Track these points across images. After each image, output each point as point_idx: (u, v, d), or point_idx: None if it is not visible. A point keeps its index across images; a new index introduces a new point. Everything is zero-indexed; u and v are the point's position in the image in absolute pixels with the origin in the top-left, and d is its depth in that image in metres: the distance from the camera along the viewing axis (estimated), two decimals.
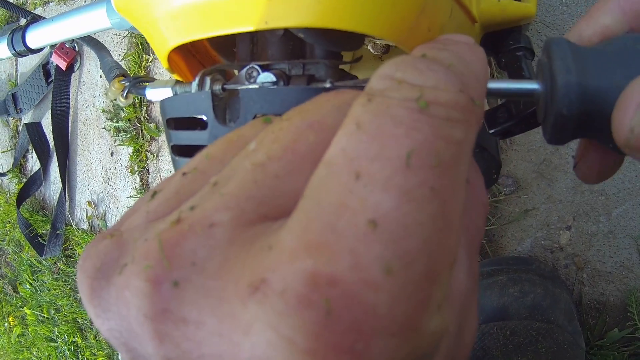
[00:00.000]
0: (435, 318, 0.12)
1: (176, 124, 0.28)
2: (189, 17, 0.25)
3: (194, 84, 0.28)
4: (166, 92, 0.32)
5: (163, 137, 1.13)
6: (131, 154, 1.19)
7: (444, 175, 0.12)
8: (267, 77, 0.27)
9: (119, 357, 0.76)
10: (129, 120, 1.18)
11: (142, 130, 1.16)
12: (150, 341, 0.13)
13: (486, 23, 0.37)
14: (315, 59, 0.28)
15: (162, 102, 0.27)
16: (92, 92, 1.26)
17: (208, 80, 0.28)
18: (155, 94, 0.32)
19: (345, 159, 0.12)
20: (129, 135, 1.18)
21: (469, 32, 0.33)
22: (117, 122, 1.19)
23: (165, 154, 1.14)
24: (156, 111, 1.14)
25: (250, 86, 0.25)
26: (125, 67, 1.11)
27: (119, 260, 0.14)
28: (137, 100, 1.16)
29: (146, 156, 1.17)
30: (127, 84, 0.37)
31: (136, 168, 1.19)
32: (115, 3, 0.31)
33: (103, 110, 1.22)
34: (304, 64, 0.28)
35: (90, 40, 0.89)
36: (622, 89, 0.18)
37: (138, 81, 0.36)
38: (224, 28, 0.23)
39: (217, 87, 0.27)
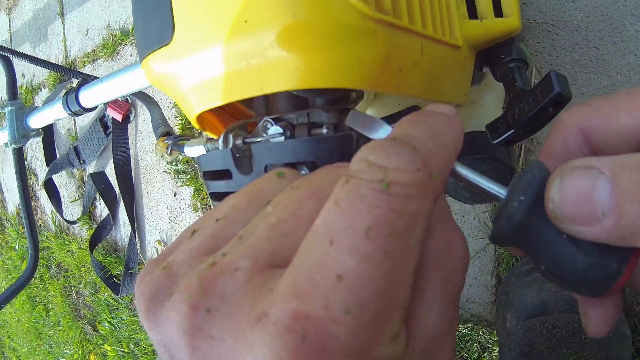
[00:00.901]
0: (387, 347, 0.17)
1: (211, 176, 0.33)
2: (206, 90, 0.30)
3: (220, 141, 0.33)
4: (200, 149, 0.38)
5: None
6: (192, 193, 1.27)
7: (397, 241, 0.17)
8: (275, 130, 0.31)
9: None
10: (187, 162, 1.26)
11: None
12: (185, 349, 0.18)
13: (474, 44, 0.40)
14: (316, 108, 0.32)
15: (198, 159, 0.33)
16: (149, 139, 1.36)
17: (230, 137, 0.33)
18: (192, 151, 0.38)
19: (324, 229, 0.17)
20: (188, 176, 1.27)
21: (451, 58, 0.36)
22: (176, 165, 1.28)
23: None
24: None
25: (259, 139, 0.30)
26: (178, 113, 1.19)
27: (170, 288, 0.19)
28: None
29: (207, 194, 1.25)
30: (170, 142, 0.43)
31: (199, 205, 1.27)
32: (147, 78, 0.36)
33: (162, 155, 1.31)
34: (308, 113, 0.32)
35: (140, 94, 0.97)
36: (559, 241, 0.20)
37: (178, 140, 0.42)
38: (233, 97, 0.28)
39: (239, 141, 0.32)
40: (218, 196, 0.33)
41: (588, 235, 0.19)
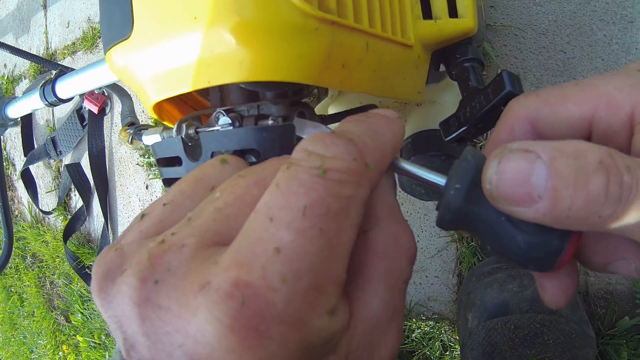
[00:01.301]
0: (323, 319, 0.18)
1: (164, 162, 0.34)
2: (160, 81, 0.31)
3: (174, 130, 0.34)
4: (156, 138, 0.38)
5: None
6: (163, 186, 1.27)
7: (332, 220, 0.18)
8: (224, 120, 0.32)
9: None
10: None
11: None
12: (135, 321, 0.19)
13: (428, 44, 0.41)
14: (266, 100, 0.34)
15: (152, 147, 0.34)
16: None
17: (184, 126, 0.34)
18: (149, 140, 0.39)
19: (265, 208, 0.19)
20: None
21: (402, 57, 0.37)
22: (148, 157, 1.28)
23: None
24: None
25: (210, 129, 0.31)
26: None
27: (121, 267, 0.21)
28: None
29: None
30: (131, 131, 0.44)
31: None
32: (111, 68, 0.37)
33: (135, 148, 1.32)
34: (258, 105, 0.33)
35: (114, 87, 0.98)
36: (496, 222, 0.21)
37: (138, 129, 0.43)
38: (183, 88, 0.29)
39: (192, 130, 0.33)
40: (169, 182, 0.34)
41: (524, 215, 0.20)
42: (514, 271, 0.66)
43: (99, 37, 1.37)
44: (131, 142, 0.43)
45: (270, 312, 0.17)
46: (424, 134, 0.47)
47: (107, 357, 1.42)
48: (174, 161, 0.34)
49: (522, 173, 0.20)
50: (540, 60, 0.69)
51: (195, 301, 0.17)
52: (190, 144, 0.33)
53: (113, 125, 1.37)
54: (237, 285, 0.17)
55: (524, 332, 0.63)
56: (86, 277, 1.40)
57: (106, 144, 1.36)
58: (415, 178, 0.24)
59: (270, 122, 0.30)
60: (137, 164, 1.32)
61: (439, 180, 0.23)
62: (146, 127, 0.42)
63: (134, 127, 0.43)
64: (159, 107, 0.37)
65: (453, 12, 0.43)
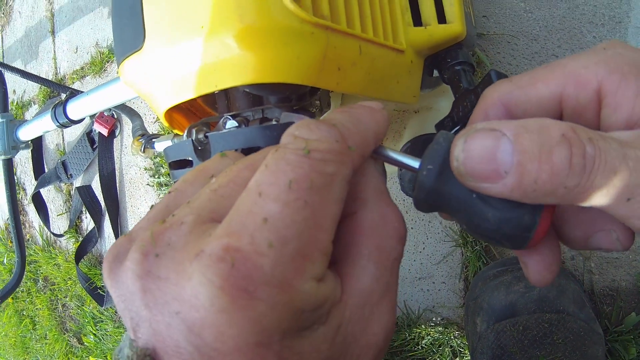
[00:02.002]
0: (309, 284, 0.20)
1: (175, 165, 0.36)
2: (171, 89, 0.33)
3: (184, 135, 0.36)
4: (168, 144, 0.41)
5: None
6: None
7: (316, 194, 0.20)
8: (232, 124, 0.35)
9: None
10: (169, 175, 1.29)
11: None
12: (138, 294, 0.20)
13: (419, 49, 0.43)
14: (270, 105, 0.36)
15: (164, 151, 0.36)
16: None
17: (194, 131, 0.36)
18: (161, 146, 0.41)
19: (255, 185, 0.20)
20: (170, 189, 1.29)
21: (394, 61, 0.39)
22: (158, 177, 1.31)
23: None
24: None
25: (215, 133, 0.34)
26: (160, 127, 1.22)
27: (128, 248, 0.22)
28: None
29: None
30: (143, 141, 0.46)
31: None
32: (123, 81, 0.40)
33: (145, 169, 1.34)
34: (262, 109, 0.35)
35: (123, 107, 1.01)
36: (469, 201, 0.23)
37: (150, 138, 0.45)
38: (193, 94, 0.32)
39: (201, 135, 0.35)
40: None
41: (493, 191, 0.21)
42: (519, 272, 0.66)
43: (107, 61, 1.41)
44: (144, 151, 0.45)
45: (258, 274, 0.18)
46: (421, 137, 0.49)
47: None
48: (185, 163, 0.36)
49: (488, 150, 0.21)
50: (533, 65, 0.71)
51: (190, 267, 0.19)
52: (199, 147, 0.35)
53: (123, 147, 1.40)
54: (227, 250, 0.18)
55: (533, 333, 0.63)
56: (98, 298, 1.41)
57: (116, 165, 1.38)
58: (394, 163, 0.26)
59: (274, 122, 0.32)
60: (148, 184, 1.34)
61: (414, 163, 0.24)
62: (157, 136, 0.45)
63: (146, 137, 0.45)
64: (169, 115, 0.40)
65: (442, 19, 0.45)
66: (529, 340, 0.63)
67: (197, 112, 0.47)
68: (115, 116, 1.31)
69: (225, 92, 0.39)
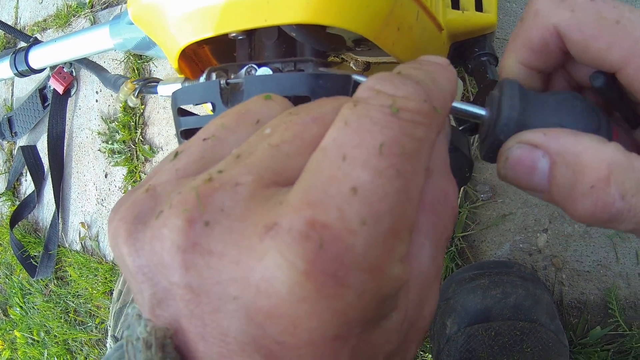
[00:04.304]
0: (397, 267, 0.17)
1: (184, 111, 0.32)
2: (197, 20, 0.29)
3: (202, 78, 0.32)
4: (176, 87, 0.36)
5: (156, 158, 1.16)
6: (125, 175, 1.21)
7: (407, 161, 0.17)
8: (264, 71, 0.30)
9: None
10: (124, 142, 1.21)
11: (136, 151, 1.20)
12: (177, 269, 0.16)
13: (453, 32, 0.42)
14: (305, 58, 0.32)
15: (174, 93, 0.31)
16: (87, 115, 1.29)
17: (214, 75, 0.32)
18: (166, 90, 0.36)
19: (335, 146, 0.17)
20: (123, 157, 1.21)
21: (435, 37, 0.37)
22: (112, 144, 1.23)
23: None
24: (151, 133, 1.18)
25: (252, 76, 0.29)
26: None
27: (155, 208, 0.18)
28: (132, 123, 1.19)
29: (140, 177, 1.20)
30: (139, 84, 0.41)
31: (130, 188, 1.22)
32: (132, 13, 0.35)
33: (99, 133, 1.25)
34: (295, 62, 0.32)
35: (89, 63, 0.93)
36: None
37: (148, 81, 0.40)
38: (231, 27, 0.27)
39: (222, 81, 0.31)
40: (188, 133, 0.32)
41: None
42: (497, 277, 0.66)
43: (74, 15, 1.31)
44: (137, 96, 0.40)
45: (350, 256, 0.15)
46: None
47: (45, 355, 1.32)
48: (192, 112, 0.31)
49: (527, 170, 0.23)
50: None
51: (262, 245, 0.15)
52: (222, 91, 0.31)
53: (76, 109, 1.30)
54: (313, 226, 0.15)
55: (504, 340, 0.63)
56: (30, 268, 1.31)
57: (66, 127, 1.29)
58: (459, 114, 0.25)
59: (318, 70, 0.29)
60: (99, 150, 1.25)
61: (480, 111, 0.25)
62: (157, 79, 0.40)
63: (143, 80, 0.40)
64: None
65: (479, 6, 0.44)
66: (499, 346, 0.63)
67: (200, 64, 0.42)
68: (74, 74, 1.21)
69: (249, 39, 0.35)
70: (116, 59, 1.21)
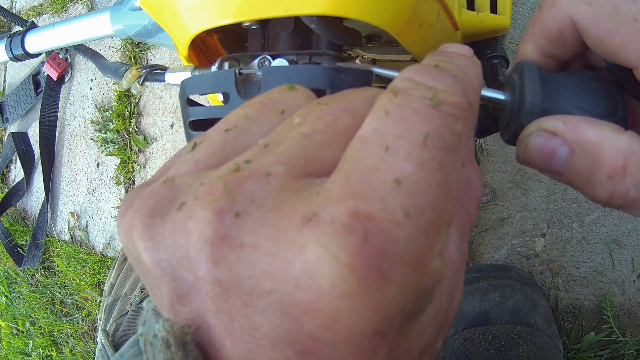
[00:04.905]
0: (437, 261, 0.16)
1: (192, 103, 0.31)
2: (216, 5, 0.28)
3: (214, 67, 0.31)
4: (185, 76, 0.35)
5: (150, 149, 1.15)
6: (118, 165, 1.20)
7: (448, 155, 0.17)
8: (280, 62, 0.30)
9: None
10: (118, 131, 1.19)
11: (130, 141, 1.18)
12: (204, 264, 0.15)
13: (467, 32, 0.41)
14: (321, 51, 0.31)
15: (184, 82, 0.30)
16: (81, 103, 1.27)
17: (226, 64, 0.31)
18: (175, 78, 0.35)
19: (376, 136, 0.16)
20: (116, 147, 1.19)
21: (451, 37, 0.37)
22: (105, 133, 1.21)
23: (152, 165, 1.16)
24: (146, 123, 1.16)
25: (271, 67, 0.28)
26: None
27: (174, 200, 0.17)
28: (127, 112, 1.17)
29: (133, 167, 1.18)
30: (144, 71, 0.40)
31: (122, 179, 1.20)
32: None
33: (92, 122, 1.24)
34: (310, 54, 0.31)
35: (86, 50, 0.91)
36: (571, 113, 0.24)
37: (154, 69, 0.39)
38: (249, 14, 0.26)
39: (235, 70, 0.30)
40: (198, 124, 0.31)
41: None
42: (495, 281, 0.66)
43: (71, 0, 1.28)
44: (141, 84, 0.39)
45: (393, 249, 0.15)
46: None
47: (30, 345, 1.30)
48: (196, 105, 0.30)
49: (546, 155, 0.23)
50: None
51: (302, 236, 0.14)
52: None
53: (70, 96, 1.28)
54: (356, 217, 0.14)
55: (501, 343, 0.63)
56: (17, 257, 1.29)
57: (59, 115, 1.27)
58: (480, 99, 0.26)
59: (340, 64, 0.28)
60: (92, 139, 1.24)
61: (500, 95, 0.26)
62: (163, 68, 0.39)
63: (149, 67, 0.39)
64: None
65: (493, 8, 0.44)
66: (495, 350, 0.63)
67: (207, 53, 0.41)
68: (69, 60, 1.19)
69: (263, 29, 0.34)
70: (113, 47, 1.19)
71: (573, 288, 0.70)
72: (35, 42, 0.78)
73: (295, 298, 0.14)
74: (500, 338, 0.62)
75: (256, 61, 0.31)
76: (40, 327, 1.30)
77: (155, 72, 0.39)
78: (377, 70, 0.26)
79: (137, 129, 1.17)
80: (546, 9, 0.25)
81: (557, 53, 0.26)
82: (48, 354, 1.28)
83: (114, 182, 1.21)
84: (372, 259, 0.14)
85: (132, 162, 1.18)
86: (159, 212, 0.17)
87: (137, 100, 1.17)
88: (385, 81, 0.26)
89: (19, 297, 1.37)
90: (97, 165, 1.25)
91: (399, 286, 0.15)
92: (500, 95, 0.26)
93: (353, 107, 0.19)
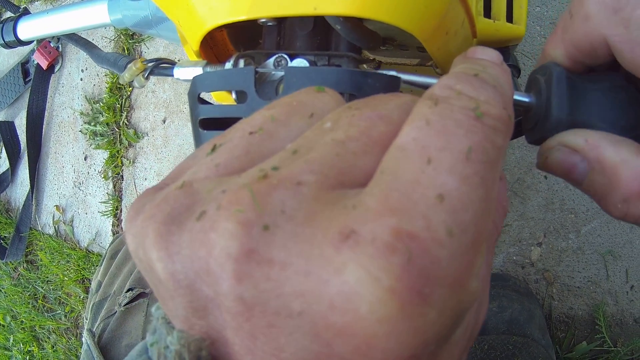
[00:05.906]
0: (475, 281, 0.15)
1: (202, 100, 0.30)
2: (233, 2, 0.27)
3: (229, 64, 0.30)
4: (197, 71, 0.34)
5: (141, 144, 1.13)
6: (106, 159, 1.17)
7: (489, 169, 0.16)
8: (299, 62, 0.28)
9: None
10: (108, 124, 1.17)
11: (120, 135, 1.16)
12: (227, 280, 0.14)
13: (482, 40, 0.41)
14: (341, 52, 0.30)
15: (196, 78, 0.29)
16: (70, 94, 1.24)
17: (242, 61, 0.30)
18: (184, 73, 0.34)
19: (417, 147, 0.15)
20: (105, 140, 1.17)
21: (469, 45, 0.36)
22: (94, 125, 1.18)
23: (142, 160, 1.13)
24: (137, 117, 1.14)
25: (294, 67, 0.27)
26: (110, 72, 1.11)
27: (192, 208, 0.16)
28: (118, 105, 1.15)
29: (122, 162, 1.16)
30: (150, 64, 0.38)
31: (110, 174, 1.18)
32: None
33: (81, 113, 1.21)
34: (329, 56, 0.30)
35: (79, 39, 0.89)
36: (595, 126, 0.24)
37: (162, 62, 0.37)
38: (273, 11, 0.25)
39: (254, 68, 0.29)
40: (209, 123, 0.29)
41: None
42: (493, 291, 0.66)
43: None
44: (147, 77, 0.37)
45: (435, 271, 0.14)
46: None
47: (11, 340, 1.27)
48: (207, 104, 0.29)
49: (567, 168, 0.24)
50: None
51: (340, 256, 0.13)
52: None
53: (59, 86, 1.25)
54: (399, 236, 0.13)
55: (496, 354, 0.63)
56: (0, 250, 1.26)
57: (47, 105, 1.24)
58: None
59: (370, 69, 0.27)
60: (80, 131, 1.21)
61: (525, 98, 0.26)
62: (171, 62, 0.37)
63: (155, 60, 0.37)
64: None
65: (509, 17, 0.44)
66: None
67: (214, 48, 0.40)
68: (60, 49, 1.16)
69: (279, 26, 0.33)
70: (106, 37, 1.17)
71: (567, 297, 0.70)
72: (28, 29, 0.75)
73: (328, 320, 0.13)
74: (497, 348, 0.62)
75: (272, 60, 0.30)
76: (22, 321, 1.27)
77: (163, 66, 0.37)
78: (404, 76, 0.25)
79: (127, 123, 1.15)
80: (578, 21, 0.25)
81: (587, 62, 0.26)
82: (29, 349, 1.25)
83: (102, 176, 1.19)
84: (414, 282, 0.13)
85: (121, 157, 1.16)
86: (175, 219, 0.15)
87: (128, 93, 1.15)
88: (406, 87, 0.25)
89: (0, 290, 1.33)
90: (85, 158, 1.23)
91: (439, 309, 0.14)
92: (526, 98, 0.26)
93: (388, 114, 0.18)
